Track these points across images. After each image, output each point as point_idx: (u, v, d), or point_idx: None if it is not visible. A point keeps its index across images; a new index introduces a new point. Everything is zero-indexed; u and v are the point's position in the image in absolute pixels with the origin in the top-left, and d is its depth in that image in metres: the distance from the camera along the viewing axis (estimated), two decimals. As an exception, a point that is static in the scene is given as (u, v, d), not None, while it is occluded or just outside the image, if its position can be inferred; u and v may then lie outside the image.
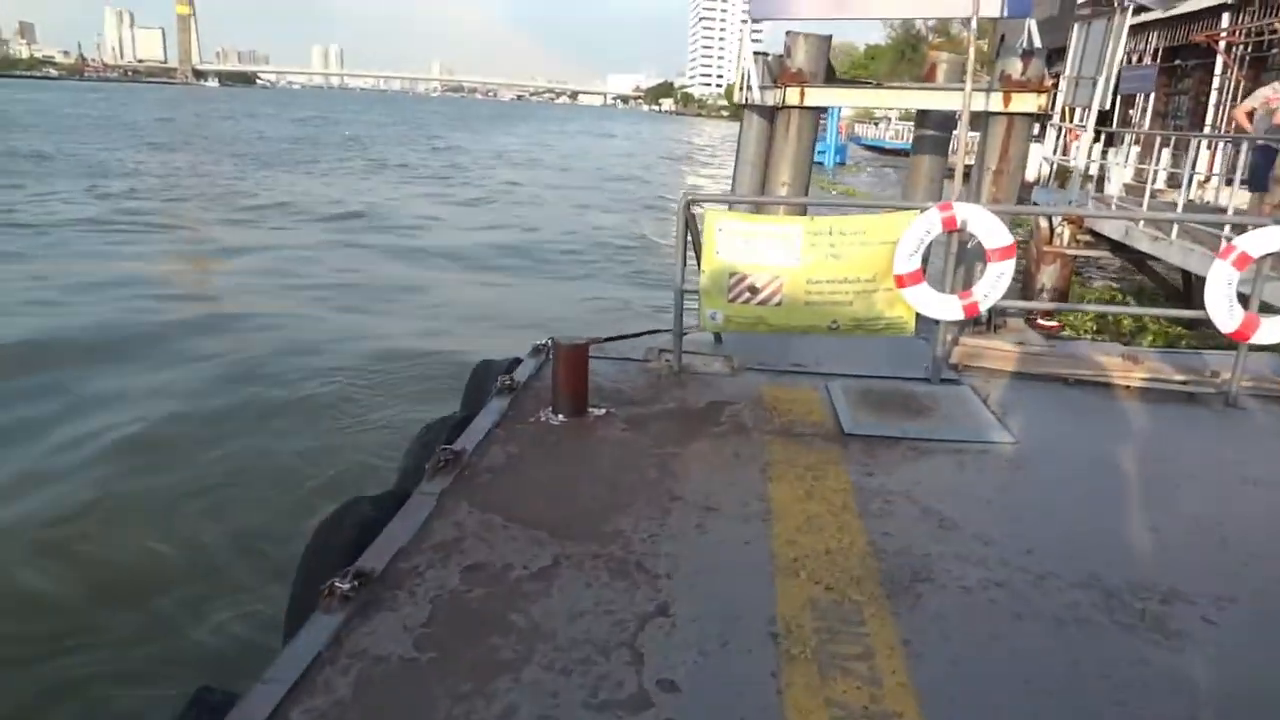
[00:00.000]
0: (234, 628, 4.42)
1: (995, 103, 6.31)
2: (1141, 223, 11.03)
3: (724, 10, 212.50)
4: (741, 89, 7.64)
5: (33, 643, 4.28)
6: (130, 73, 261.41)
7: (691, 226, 4.93)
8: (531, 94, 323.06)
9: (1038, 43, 6.46)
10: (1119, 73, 10.72)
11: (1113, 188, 13.13)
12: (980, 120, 6.68)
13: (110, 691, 4.03)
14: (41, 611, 4.57)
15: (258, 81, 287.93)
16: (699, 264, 4.88)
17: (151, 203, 20.39)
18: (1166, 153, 15.20)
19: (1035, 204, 15.30)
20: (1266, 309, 4.81)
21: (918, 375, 5.04)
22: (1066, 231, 10.96)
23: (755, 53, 7.53)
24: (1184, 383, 5.04)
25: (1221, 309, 4.67)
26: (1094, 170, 14.37)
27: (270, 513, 5.47)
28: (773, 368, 5.11)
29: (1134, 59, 20.16)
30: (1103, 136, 15.51)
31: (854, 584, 2.84)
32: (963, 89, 5.91)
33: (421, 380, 8.20)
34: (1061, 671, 2.44)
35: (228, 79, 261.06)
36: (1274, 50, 16.20)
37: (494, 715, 2.17)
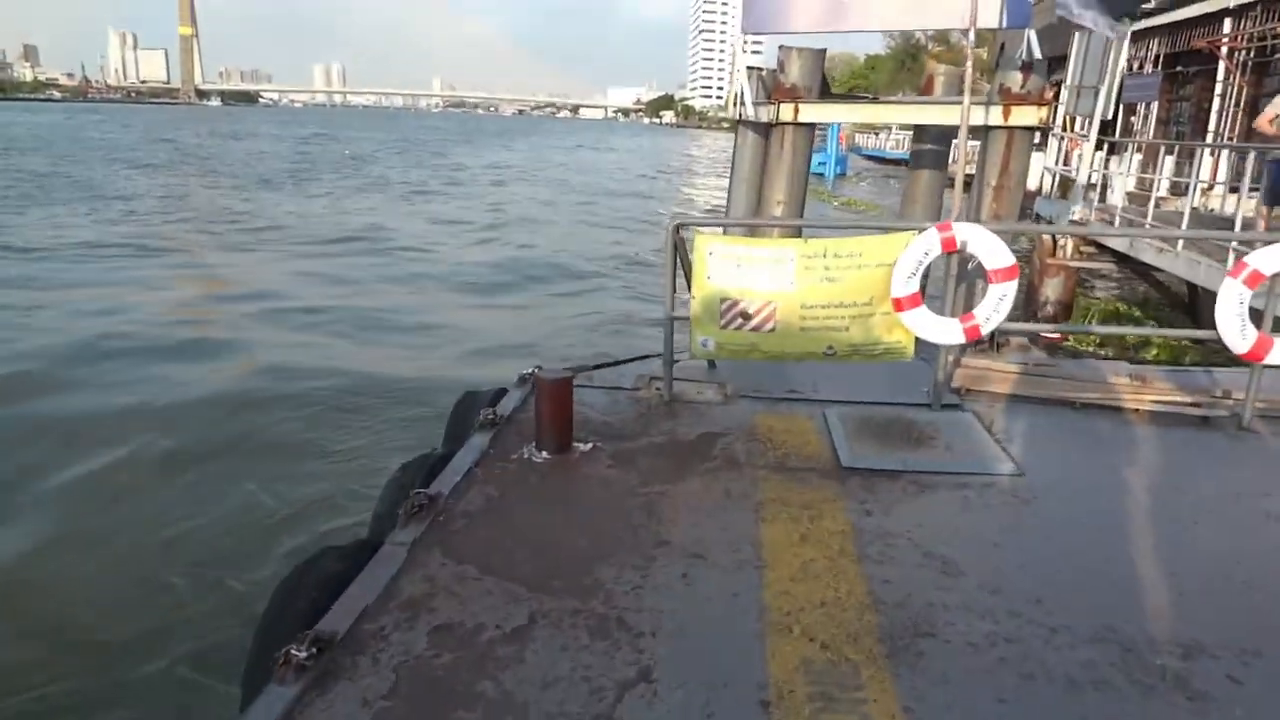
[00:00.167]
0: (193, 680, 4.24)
1: (995, 116, 6.16)
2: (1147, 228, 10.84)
3: (724, 22, 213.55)
4: (735, 104, 7.50)
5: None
6: (133, 93, 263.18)
7: (681, 250, 4.77)
8: (533, 108, 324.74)
9: (1038, 53, 6.30)
10: (1121, 81, 10.57)
11: (1116, 197, 12.96)
12: (979, 133, 6.52)
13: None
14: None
15: (260, 100, 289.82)
16: (689, 288, 4.71)
17: (142, 226, 20.29)
18: (1170, 160, 15.04)
19: (1037, 215, 15.16)
20: (1280, 328, 4.62)
21: (918, 401, 4.85)
22: (1070, 243, 10.79)
23: (750, 67, 7.39)
24: (1195, 405, 4.85)
25: (1233, 329, 4.47)
26: (1096, 179, 14.19)
27: (239, 556, 5.28)
28: (768, 395, 4.92)
29: (1134, 66, 20.00)
30: (1105, 145, 15.33)
31: (851, 641, 2.64)
32: (961, 102, 5.76)
33: (414, 405, 8.02)
34: None
35: (230, 98, 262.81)
36: (1277, 55, 16.03)
37: None
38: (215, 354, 9.62)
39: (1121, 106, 15.66)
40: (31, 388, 8.15)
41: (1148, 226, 10.67)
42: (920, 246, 4.41)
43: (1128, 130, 20.20)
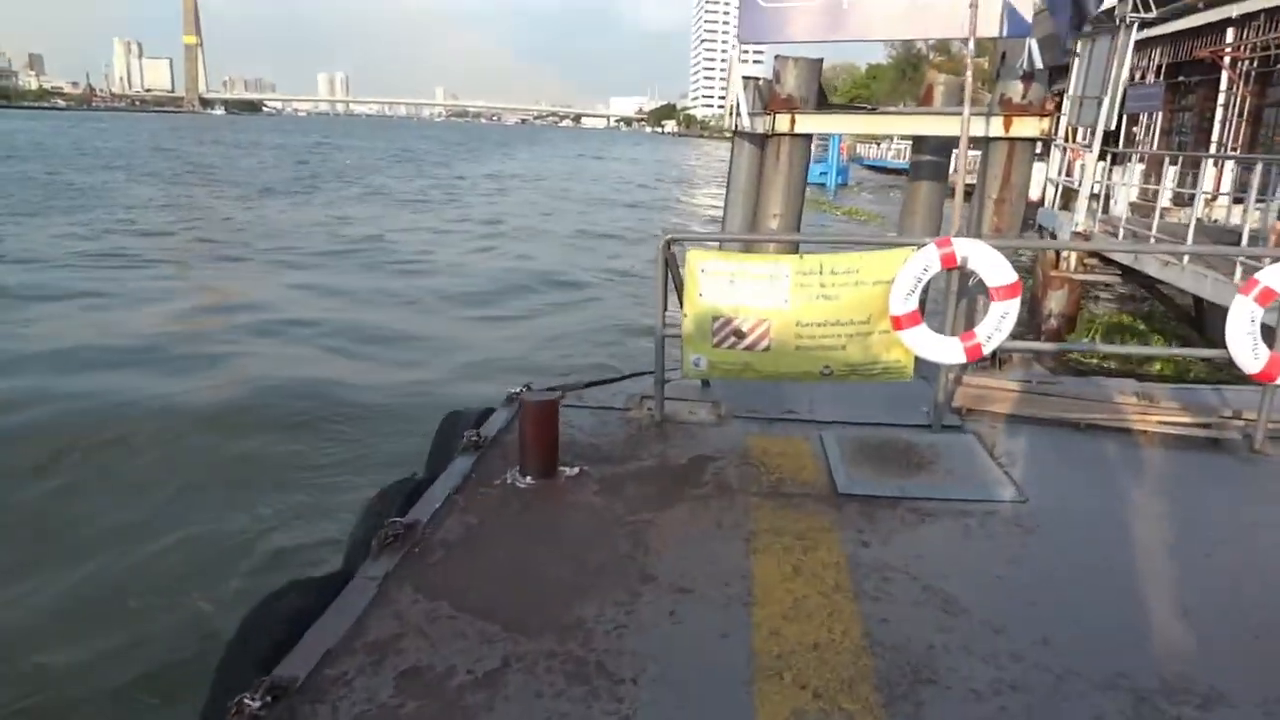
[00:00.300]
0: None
1: (996, 127, 6.01)
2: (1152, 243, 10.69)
3: (726, 31, 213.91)
4: (732, 115, 7.37)
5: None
6: (138, 102, 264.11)
7: (673, 266, 4.62)
8: (535, 118, 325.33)
9: (1039, 63, 6.16)
10: (1124, 91, 10.42)
11: (1119, 208, 12.80)
12: (980, 143, 6.37)
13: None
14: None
15: (264, 109, 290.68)
16: (681, 305, 4.56)
17: (140, 236, 20.18)
18: (1173, 170, 14.88)
19: (1039, 226, 14.99)
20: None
21: (918, 422, 4.68)
22: (1074, 256, 10.64)
23: (747, 77, 7.26)
24: (1205, 425, 4.69)
25: (1245, 349, 4.30)
26: (1099, 189, 14.04)
27: (209, 578, 5.11)
28: (763, 415, 4.76)
29: (1136, 76, 19.88)
30: (1108, 156, 15.18)
31: (845, 689, 2.48)
32: (961, 113, 5.62)
33: (403, 421, 7.86)
34: None
35: (234, 107, 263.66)
36: (1280, 65, 15.91)
37: None
38: (202, 368, 9.46)
39: (1124, 117, 15.52)
40: (11, 400, 8.00)
41: (1152, 238, 10.51)
42: (919, 263, 4.25)
43: (1130, 140, 20.07)
